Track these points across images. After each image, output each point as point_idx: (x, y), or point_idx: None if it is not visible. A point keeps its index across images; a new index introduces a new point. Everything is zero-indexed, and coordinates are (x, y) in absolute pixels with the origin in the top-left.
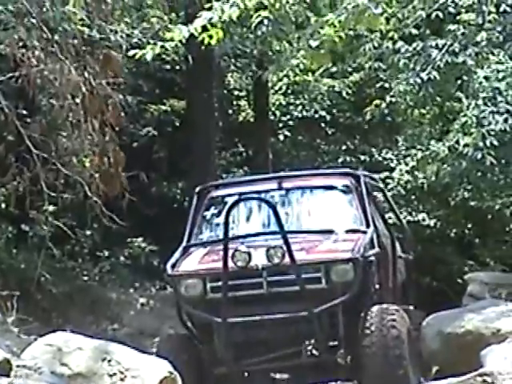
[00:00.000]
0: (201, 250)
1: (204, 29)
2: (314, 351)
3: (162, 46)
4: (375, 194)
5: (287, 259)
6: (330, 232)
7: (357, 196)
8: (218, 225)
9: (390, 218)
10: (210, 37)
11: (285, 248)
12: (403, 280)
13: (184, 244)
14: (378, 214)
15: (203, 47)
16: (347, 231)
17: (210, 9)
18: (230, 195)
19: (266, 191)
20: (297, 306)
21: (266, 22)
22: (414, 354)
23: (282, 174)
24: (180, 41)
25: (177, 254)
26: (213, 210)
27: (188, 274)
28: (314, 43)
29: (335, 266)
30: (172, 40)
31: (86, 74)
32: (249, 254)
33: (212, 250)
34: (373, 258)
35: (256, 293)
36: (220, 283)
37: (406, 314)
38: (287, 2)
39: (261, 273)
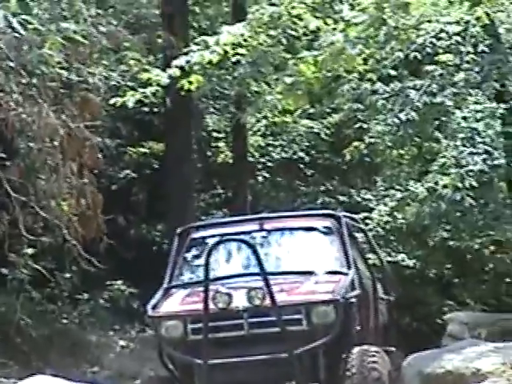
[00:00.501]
0: (182, 291)
1: (182, 71)
2: None
3: (143, 92)
4: (356, 234)
5: (268, 301)
6: (311, 273)
7: (338, 237)
8: (199, 266)
9: (370, 258)
10: (190, 82)
11: (265, 289)
12: (384, 321)
13: (165, 285)
14: (359, 255)
15: (183, 92)
16: (328, 273)
17: (186, 53)
18: (211, 236)
19: (248, 232)
20: (277, 347)
21: (243, 63)
22: None
23: (263, 215)
24: (158, 84)
25: (158, 296)
26: (194, 252)
27: (169, 316)
28: (289, 80)
29: (316, 307)
30: (151, 84)
31: (64, 117)
32: (229, 296)
33: (193, 291)
34: (354, 300)
35: (237, 334)
36: (201, 325)
37: (387, 355)
38: (265, 42)
39: (242, 314)
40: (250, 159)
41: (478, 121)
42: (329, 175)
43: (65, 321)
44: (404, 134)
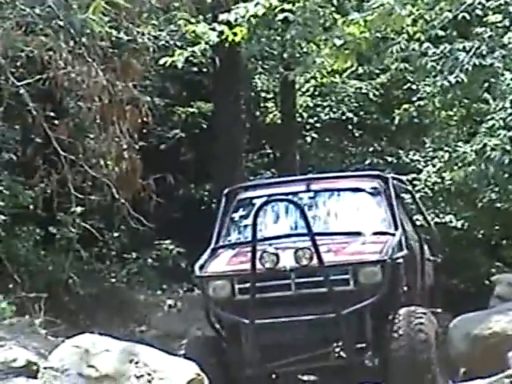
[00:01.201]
0: (229, 251)
1: (230, 27)
2: (342, 353)
3: (193, 51)
4: (403, 196)
5: (315, 261)
6: (358, 234)
7: (385, 198)
8: (246, 226)
9: (418, 220)
10: (235, 34)
11: (313, 249)
12: (431, 282)
13: (212, 246)
14: (406, 217)
15: (228, 45)
16: (375, 233)
17: (234, 9)
18: (258, 197)
19: (295, 193)
20: (324, 307)
21: (293, 23)
22: (442, 357)
23: (310, 176)
24: (207, 43)
25: (205, 256)
26: (241, 212)
27: (216, 276)
28: (338, 42)
29: (363, 267)
30: (200, 43)
31: (113, 76)
32: (277, 256)
33: (240, 251)
34: (401, 261)
35: (284, 294)
36: (248, 284)
37: (434, 317)
38: (314, 3)
39: (289, 274)
40: (299, 119)
41: None
42: (377, 136)
43: (113, 280)
44: (453, 95)
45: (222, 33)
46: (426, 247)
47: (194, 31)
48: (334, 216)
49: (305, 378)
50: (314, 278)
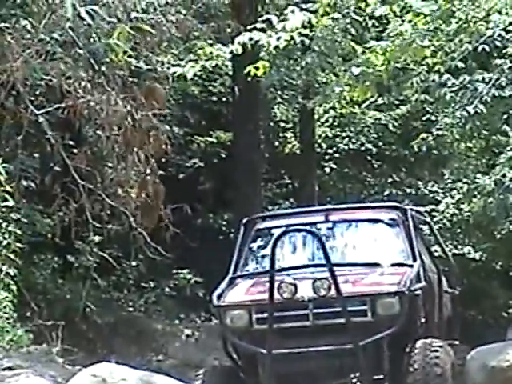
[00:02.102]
0: (247, 281)
1: (245, 50)
2: None
3: (203, 66)
4: (421, 227)
5: (333, 291)
6: (376, 265)
7: (404, 229)
8: (264, 256)
9: (435, 251)
10: (257, 68)
11: (331, 280)
12: (448, 314)
13: (230, 275)
14: (424, 248)
15: (249, 79)
16: (393, 265)
17: (250, 30)
18: (276, 227)
19: (313, 223)
20: (342, 338)
21: (311, 53)
22: None
23: (328, 206)
24: (226, 73)
25: (223, 285)
26: (259, 242)
27: (234, 305)
28: (356, 71)
29: (381, 299)
30: (212, 59)
31: (132, 105)
32: (295, 286)
33: (258, 281)
34: (419, 292)
35: (301, 325)
36: (266, 314)
37: (451, 349)
38: (332, 33)
39: (306, 305)
40: (318, 150)
41: None
42: (396, 167)
43: (130, 309)
44: (472, 126)
45: (237, 54)
46: (443, 279)
47: (211, 53)
48: (352, 247)
49: None
50: (331, 309)
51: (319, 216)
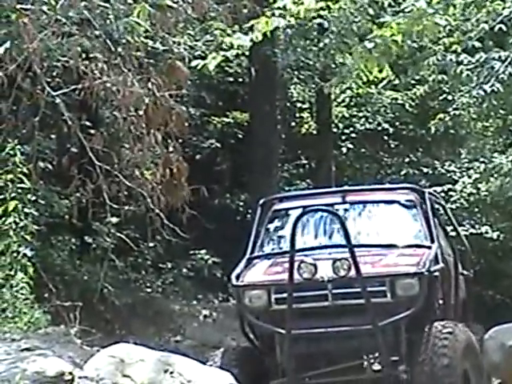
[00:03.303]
0: (265, 261)
1: (264, 37)
2: (377, 365)
3: (224, 56)
4: (438, 209)
5: (353, 272)
6: (395, 246)
7: (421, 211)
8: (281, 237)
9: (451, 234)
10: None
11: (351, 261)
12: (464, 297)
13: (248, 256)
14: (441, 231)
15: (263, 54)
16: (412, 246)
17: (269, 16)
18: (293, 208)
19: (330, 205)
20: (361, 319)
21: (328, 33)
22: (477, 368)
23: (345, 187)
24: (243, 53)
25: (241, 265)
26: (276, 223)
27: (253, 285)
28: (369, 45)
29: (401, 279)
30: (233, 48)
31: (150, 86)
32: (315, 266)
33: (276, 261)
34: (437, 274)
35: (321, 305)
36: (285, 295)
37: (468, 329)
38: (351, 14)
39: (326, 285)
40: (334, 130)
41: None
42: (413, 147)
43: (148, 289)
44: (489, 105)
45: (256, 43)
46: (459, 262)
47: (231, 43)
48: (371, 228)
49: None
50: (351, 289)
51: (336, 197)
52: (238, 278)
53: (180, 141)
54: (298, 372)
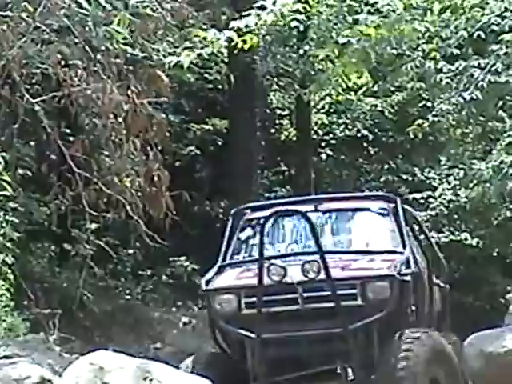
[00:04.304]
0: (236, 269)
1: (240, 36)
2: (350, 371)
3: (199, 54)
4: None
5: (323, 275)
6: (367, 252)
7: (394, 219)
8: (253, 245)
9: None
10: (244, 42)
11: (321, 263)
12: (438, 308)
13: (219, 264)
14: (415, 241)
15: (236, 51)
16: (384, 252)
17: (246, 15)
18: (265, 217)
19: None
20: (332, 322)
21: (308, 40)
22: (451, 376)
23: (318, 196)
24: (222, 60)
25: (211, 272)
26: (248, 232)
27: (223, 289)
28: (341, 40)
29: (371, 282)
30: (207, 46)
31: (129, 93)
32: (284, 269)
33: (247, 268)
34: (409, 278)
35: (291, 309)
36: (255, 299)
37: (444, 338)
38: (329, 21)
39: (296, 288)
40: (314, 137)
41: None
42: (392, 153)
43: (127, 297)
44: (468, 112)
45: (231, 39)
46: (433, 273)
47: (204, 37)
48: (343, 236)
49: None
50: (321, 293)
51: (309, 205)
52: (208, 283)
53: (160, 148)
54: (269, 377)
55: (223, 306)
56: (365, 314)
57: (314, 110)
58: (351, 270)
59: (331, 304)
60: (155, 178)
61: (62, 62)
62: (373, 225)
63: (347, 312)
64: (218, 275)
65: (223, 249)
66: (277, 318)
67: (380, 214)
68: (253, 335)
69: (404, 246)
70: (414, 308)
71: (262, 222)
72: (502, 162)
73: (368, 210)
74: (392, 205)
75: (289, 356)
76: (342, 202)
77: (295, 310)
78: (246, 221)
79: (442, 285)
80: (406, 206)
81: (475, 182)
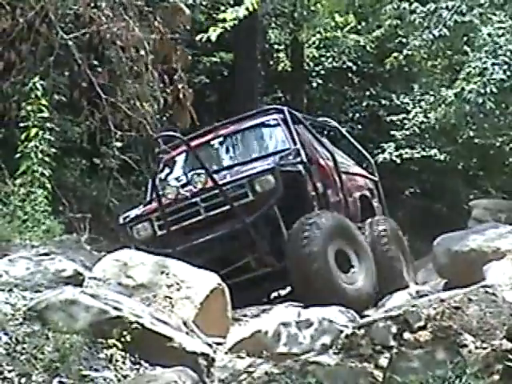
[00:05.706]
0: (148, 204)
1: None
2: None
3: (223, 27)
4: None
5: (210, 182)
6: (260, 158)
7: (284, 126)
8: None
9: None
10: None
11: (205, 174)
12: (365, 194)
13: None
14: (315, 140)
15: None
16: (275, 153)
17: None
18: (178, 154)
19: (207, 141)
20: (234, 221)
21: None
22: (353, 247)
23: (216, 124)
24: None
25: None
26: (166, 171)
27: (137, 217)
28: None
29: (257, 178)
30: (225, 20)
31: (156, 24)
32: (176, 187)
33: (155, 200)
34: (300, 168)
35: (196, 219)
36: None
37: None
38: None
39: (197, 202)
40: (306, 68)
41: (500, 36)
42: (373, 82)
43: None
44: (437, 47)
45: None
46: (358, 168)
47: (223, 16)
48: (243, 151)
49: None
50: (217, 199)
51: (213, 134)
52: (125, 219)
53: (175, 77)
54: None
55: (141, 234)
56: (260, 206)
57: (306, 45)
58: (240, 173)
59: (228, 206)
60: (180, 95)
61: (92, 4)
62: (266, 135)
63: (243, 209)
64: (132, 210)
65: (149, 190)
66: (188, 230)
67: (272, 125)
68: (169, 250)
69: (295, 144)
70: (313, 193)
71: (177, 161)
72: (462, 89)
73: (262, 124)
74: (281, 115)
75: (205, 260)
76: (239, 124)
77: (200, 220)
78: (165, 161)
79: (370, 176)
80: (298, 114)
81: (442, 105)
